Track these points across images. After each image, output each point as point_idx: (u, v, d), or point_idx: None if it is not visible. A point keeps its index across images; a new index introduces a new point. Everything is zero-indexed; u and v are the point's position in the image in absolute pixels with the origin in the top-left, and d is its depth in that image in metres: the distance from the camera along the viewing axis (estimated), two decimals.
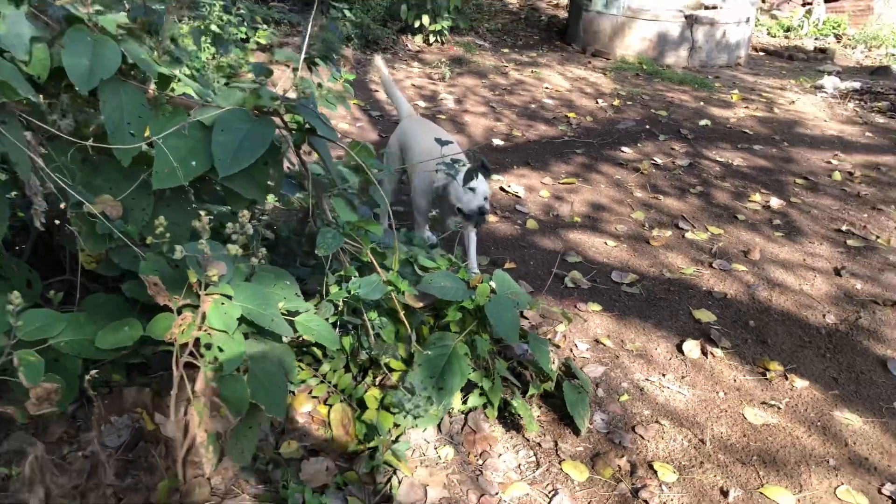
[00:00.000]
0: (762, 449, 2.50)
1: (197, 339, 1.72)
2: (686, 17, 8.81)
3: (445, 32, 8.77)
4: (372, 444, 2.15)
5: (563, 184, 4.95)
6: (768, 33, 12.18)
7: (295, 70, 2.38)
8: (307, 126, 2.04)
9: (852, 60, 10.55)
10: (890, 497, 2.32)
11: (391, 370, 2.33)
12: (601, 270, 3.74)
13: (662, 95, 7.41)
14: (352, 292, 2.06)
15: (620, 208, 4.62)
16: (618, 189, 4.94)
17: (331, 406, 2.29)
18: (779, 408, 2.74)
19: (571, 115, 6.57)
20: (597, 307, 3.33)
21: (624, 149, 5.76)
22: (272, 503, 1.94)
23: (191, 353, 1.71)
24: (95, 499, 1.70)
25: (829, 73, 8.91)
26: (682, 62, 8.97)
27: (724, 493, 2.27)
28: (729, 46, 9.21)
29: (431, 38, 8.72)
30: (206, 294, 1.68)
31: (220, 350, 1.64)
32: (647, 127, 6.34)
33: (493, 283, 2.36)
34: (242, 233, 1.76)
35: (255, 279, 1.90)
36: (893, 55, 10.92)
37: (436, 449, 2.28)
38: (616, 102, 7.03)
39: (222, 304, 1.69)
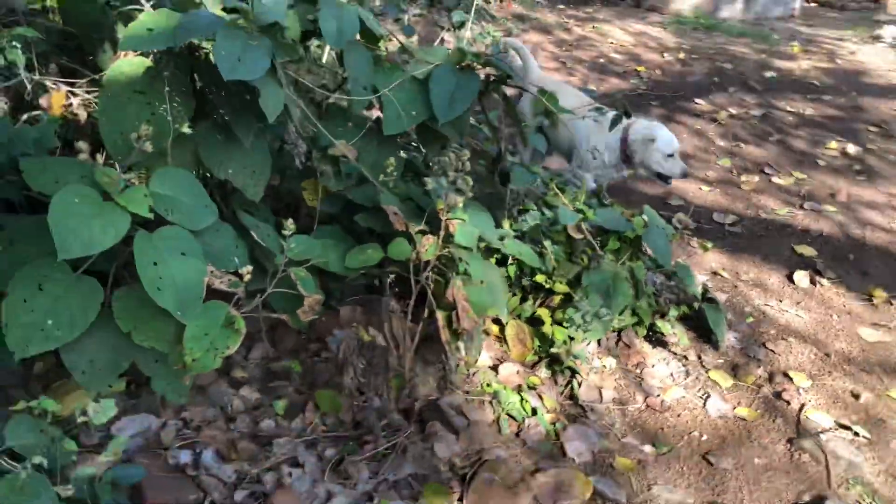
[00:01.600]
0: (881, 360, 2.82)
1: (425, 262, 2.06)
2: None
3: None
4: (553, 351, 2.49)
5: None
6: None
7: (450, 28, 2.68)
8: (500, 77, 2.34)
9: None
10: None
11: (554, 293, 2.66)
12: (703, 213, 4.03)
13: (724, 49, 7.56)
14: (543, 218, 2.39)
15: (706, 156, 4.88)
16: (700, 138, 5.19)
17: (505, 324, 2.63)
18: (889, 328, 3.05)
19: (641, 68, 6.77)
20: (708, 244, 3.62)
21: (698, 101, 5.98)
22: (480, 398, 2.29)
23: (435, 269, 2.05)
24: (384, 379, 2.07)
25: (887, 23, 8.95)
26: (737, 15, 9.06)
27: (856, 396, 2.59)
28: None
29: None
30: (449, 219, 2.02)
31: (467, 264, 1.98)
32: (716, 80, 6.53)
33: (645, 217, 2.67)
34: (462, 170, 2.09)
35: (469, 210, 2.23)
36: None
37: (599, 359, 2.62)
38: (681, 56, 7.20)
39: (464, 226, 2.02)
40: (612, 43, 7.53)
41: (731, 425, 2.42)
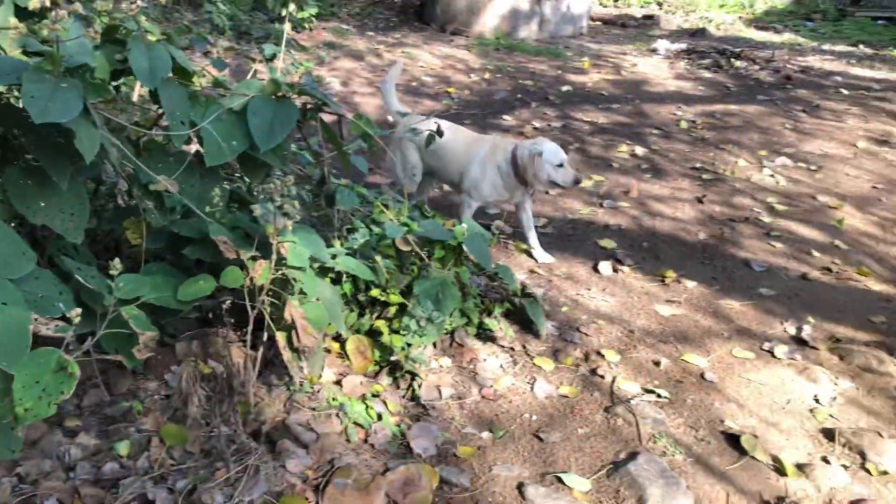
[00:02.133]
0: (675, 331, 3.24)
1: (259, 287, 2.14)
2: None
3: (313, 19, 9.06)
4: (393, 359, 2.64)
5: None
6: (600, 4, 13.40)
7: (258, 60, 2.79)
8: (317, 104, 2.47)
9: (674, 25, 11.93)
10: (768, 351, 3.12)
11: (389, 305, 2.82)
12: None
13: (525, 67, 8.19)
14: (372, 235, 2.53)
15: None
16: None
17: (344, 340, 2.74)
18: (679, 302, 3.50)
19: (451, 89, 7.17)
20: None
21: (505, 117, 6.45)
22: (327, 412, 2.39)
23: (270, 293, 2.13)
24: (230, 406, 2.09)
25: (659, 38, 10.10)
26: (534, 35, 9.82)
27: (657, 364, 2.97)
28: (573, 18, 10.18)
29: (299, 26, 8.98)
30: (279, 242, 2.11)
31: (302, 283, 2.08)
32: (519, 96, 7.08)
33: (464, 226, 2.90)
34: (288, 195, 2.19)
35: (298, 233, 2.32)
36: (707, 18, 12.43)
37: (436, 360, 2.81)
38: (487, 76, 7.71)
39: (295, 248, 2.12)
40: (422, 66, 7.89)
41: (556, 403, 2.69)
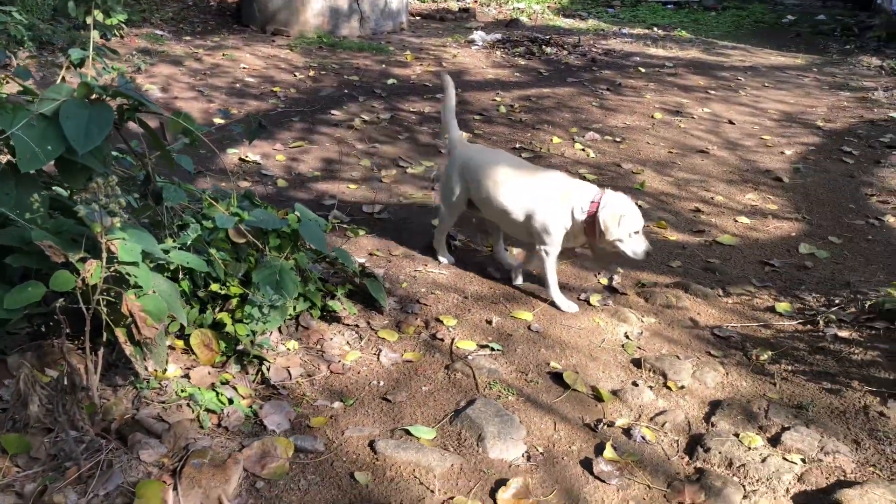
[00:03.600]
0: (504, 293, 3.54)
1: (93, 287, 2.15)
2: None
3: (123, 26, 8.66)
4: (239, 348, 2.71)
5: (293, 148, 5.60)
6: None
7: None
8: (133, 105, 2.49)
9: (489, 17, 12.52)
10: (584, 300, 3.50)
11: (229, 297, 2.88)
12: (353, 207, 4.52)
13: (349, 63, 8.32)
14: (204, 229, 2.59)
15: (349, 159, 5.43)
16: (341, 145, 5.74)
17: (188, 336, 2.78)
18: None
19: (276, 89, 7.17)
20: (362, 231, 4.12)
21: (333, 112, 6.56)
22: (177, 403, 2.43)
23: (104, 292, 2.14)
24: (75, 409, 2.07)
25: (476, 29, 10.59)
26: (355, 32, 9.96)
27: (489, 322, 3.25)
28: (392, 14, 10.43)
29: (108, 33, 8.56)
30: (109, 240, 2.13)
31: (136, 277, 2.12)
32: (346, 91, 7.21)
33: (297, 214, 3.01)
34: (114, 195, 2.21)
35: (128, 231, 2.34)
36: (519, 9, 13.17)
37: (283, 344, 2.91)
38: (312, 73, 7.77)
39: (126, 243, 2.15)
40: (244, 68, 7.81)
41: (401, 368, 2.88)
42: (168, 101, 6.55)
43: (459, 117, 6.46)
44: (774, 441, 2.51)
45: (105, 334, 2.27)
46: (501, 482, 2.25)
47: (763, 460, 2.38)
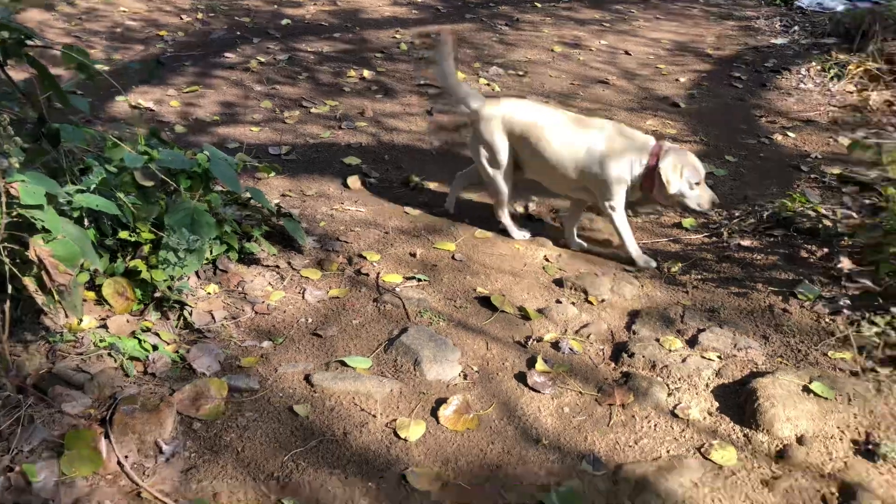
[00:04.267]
0: (425, 226, 3.54)
1: None
2: None
3: None
4: (157, 295, 2.60)
5: (188, 93, 5.32)
6: None
7: None
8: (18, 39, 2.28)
9: None
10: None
11: (140, 244, 2.74)
12: (259, 149, 4.37)
13: (238, 4, 7.91)
14: (107, 171, 2.43)
15: (249, 102, 5.21)
16: (239, 88, 5.49)
17: (100, 286, 2.63)
18: (424, 202, 3.80)
19: (163, 33, 6.74)
20: (271, 173, 3.99)
21: (227, 55, 6.25)
22: (97, 353, 2.32)
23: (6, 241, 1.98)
24: None
25: None
26: None
27: (413, 255, 3.24)
28: None
29: None
30: (8, 183, 1.96)
31: (42, 221, 1.97)
32: (239, 34, 6.87)
33: (206, 153, 2.87)
34: (7, 135, 2.04)
35: (27, 174, 2.17)
36: None
37: (203, 289, 2.81)
38: (200, 16, 7.35)
39: (28, 186, 1.99)
40: (124, 11, 7.29)
41: (328, 305, 2.85)
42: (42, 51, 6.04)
43: (359, 56, 6.33)
44: (692, 342, 2.66)
45: (10, 286, 2.12)
46: (442, 401, 2.29)
47: (683, 360, 2.52)
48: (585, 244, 3.43)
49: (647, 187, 3.16)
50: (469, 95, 3.36)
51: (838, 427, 2.21)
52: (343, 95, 5.42)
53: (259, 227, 3.16)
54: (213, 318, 2.67)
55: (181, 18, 7.23)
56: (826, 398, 2.29)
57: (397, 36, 7.01)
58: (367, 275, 3.07)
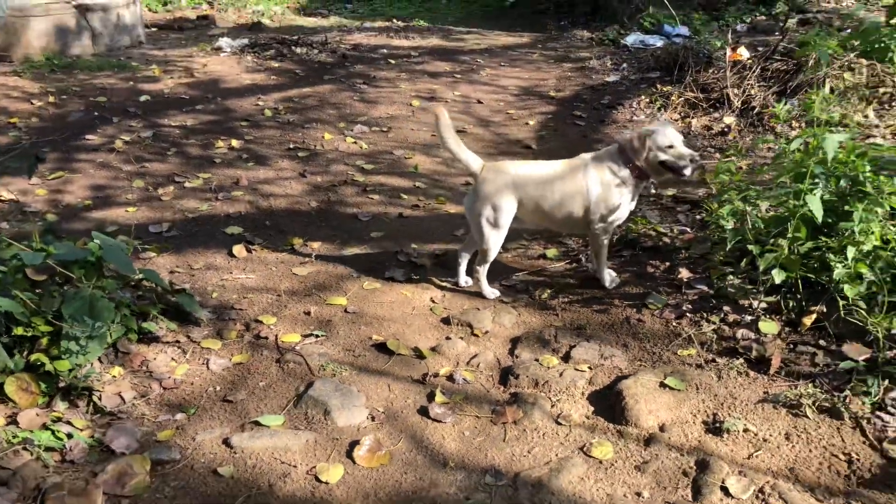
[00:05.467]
0: (315, 284, 3.76)
1: None
2: (77, 7, 9.16)
3: None
4: (63, 385, 2.66)
5: (53, 179, 5.27)
6: (150, 10, 13.15)
7: None
8: None
9: (230, 22, 12.34)
10: (390, 278, 3.82)
11: (38, 338, 2.79)
12: (139, 230, 4.43)
13: (91, 84, 7.84)
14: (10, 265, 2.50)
15: (120, 182, 5.24)
16: (107, 169, 5.50)
17: (1, 384, 2.66)
18: (311, 262, 4.02)
19: (14, 120, 6.60)
20: (153, 252, 4.07)
21: (89, 137, 6.22)
22: (13, 450, 2.37)
23: None
24: None
25: (220, 36, 10.42)
26: (89, 50, 9.34)
27: (308, 313, 3.45)
28: (127, 28, 9.91)
29: None
30: None
31: None
32: (97, 114, 6.83)
33: (97, 241, 2.98)
34: None
35: None
36: (259, 12, 13.10)
37: (108, 373, 2.89)
38: (52, 99, 7.23)
39: None
40: None
41: (234, 371, 3.00)
42: None
43: (225, 126, 6.49)
44: (566, 358, 3.04)
45: None
46: (355, 443, 2.51)
47: (560, 374, 2.88)
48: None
49: (637, 174, 3.43)
50: (476, 164, 3.54)
51: (691, 412, 2.63)
52: (215, 167, 5.55)
53: (155, 306, 3.27)
54: (123, 399, 2.76)
55: (31, 104, 7.09)
56: (679, 390, 2.72)
57: (260, 103, 7.22)
58: (267, 338, 3.25)
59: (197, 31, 11.40)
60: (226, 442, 2.52)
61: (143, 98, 7.30)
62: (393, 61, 9.11)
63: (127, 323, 3.07)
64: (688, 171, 3.40)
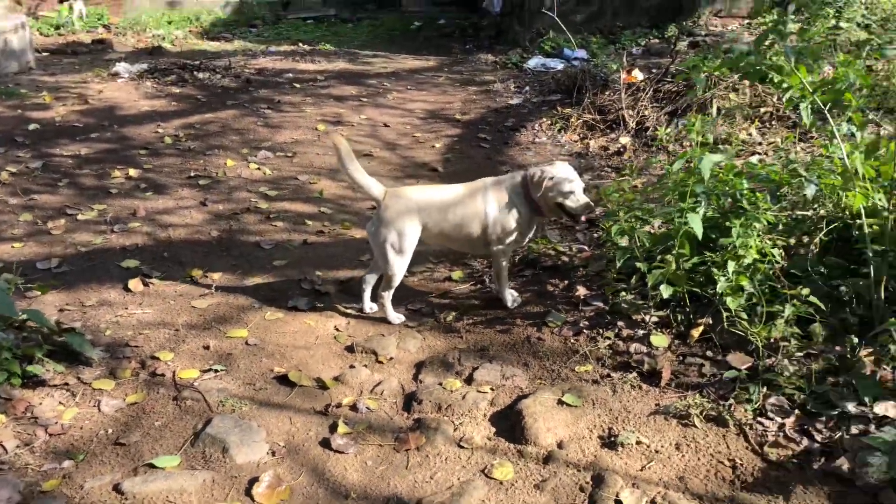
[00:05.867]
0: (215, 317, 3.67)
1: None
2: None
3: None
4: None
5: None
6: (41, 33, 12.61)
7: None
8: None
9: (129, 46, 11.97)
10: (293, 307, 3.77)
11: None
12: (26, 266, 4.21)
13: None
14: None
15: (4, 216, 4.97)
16: None
17: None
18: (211, 293, 3.93)
19: None
20: (44, 289, 3.88)
21: None
22: None
23: None
24: None
25: (118, 61, 10.08)
26: None
27: (207, 347, 3.37)
28: (15, 53, 9.48)
29: None
30: None
31: None
32: None
33: None
34: None
35: None
36: (160, 36, 12.77)
37: None
38: None
39: None
40: None
41: (128, 412, 2.89)
42: None
43: (122, 155, 6.28)
44: (469, 380, 3.07)
45: None
46: (254, 480, 2.46)
47: (463, 397, 2.92)
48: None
49: (532, 204, 3.56)
50: (378, 191, 3.54)
51: (587, 428, 2.71)
52: (111, 197, 5.36)
53: (41, 348, 3.11)
54: (5, 448, 2.61)
55: None
56: (576, 406, 2.80)
57: (160, 130, 7.03)
58: (163, 375, 3.14)
59: (92, 55, 11.01)
60: (116, 488, 2.42)
61: (31, 126, 6.98)
62: (298, 85, 9.05)
63: (9, 367, 2.92)
64: (582, 219, 3.65)
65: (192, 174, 5.85)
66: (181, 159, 6.23)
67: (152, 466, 2.54)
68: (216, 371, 3.17)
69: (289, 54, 11.39)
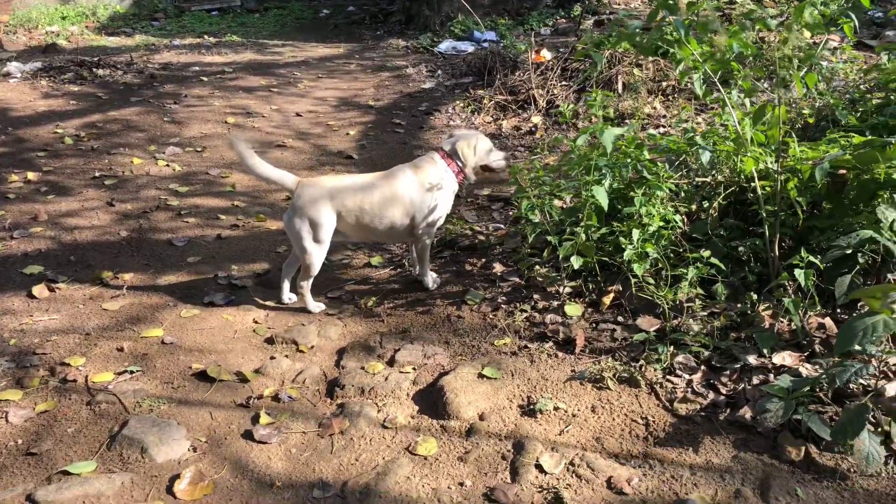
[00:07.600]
0: (128, 318, 3.57)
1: None
2: None
3: None
4: None
5: None
6: None
7: None
8: None
9: (20, 44, 11.37)
10: (210, 303, 3.71)
11: None
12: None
13: None
14: None
15: None
16: None
17: None
18: (123, 294, 3.81)
19: None
20: None
21: None
22: None
23: None
24: None
25: (8, 60, 9.57)
26: None
27: (120, 349, 3.27)
28: None
29: None
30: None
31: None
32: None
33: None
34: None
35: None
36: (53, 33, 12.17)
37: None
38: None
39: None
40: None
41: (38, 420, 2.78)
42: None
43: (18, 158, 6.00)
44: (391, 362, 3.10)
45: None
46: (175, 477, 2.42)
47: (386, 379, 2.94)
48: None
49: (461, 172, 3.71)
50: (290, 181, 3.53)
51: (507, 398, 2.79)
52: (8, 203, 5.11)
53: None
54: None
55: None
56: (496, 378, 2.87)
57: (59, 130, 6.73)
58: (75, 380, 3.04)
59: None
60: (29, 498, 2.33)
61: None
62: (205, 79, 8.81)
63: None
64: (505, 169, 3.92)
65: (97, 174, 5.64)
66: (84, 160, 5.99)
67: (67, 473, 2.46)
68: (132, 372, 3.09)
69: (194, 47, 11.06)
